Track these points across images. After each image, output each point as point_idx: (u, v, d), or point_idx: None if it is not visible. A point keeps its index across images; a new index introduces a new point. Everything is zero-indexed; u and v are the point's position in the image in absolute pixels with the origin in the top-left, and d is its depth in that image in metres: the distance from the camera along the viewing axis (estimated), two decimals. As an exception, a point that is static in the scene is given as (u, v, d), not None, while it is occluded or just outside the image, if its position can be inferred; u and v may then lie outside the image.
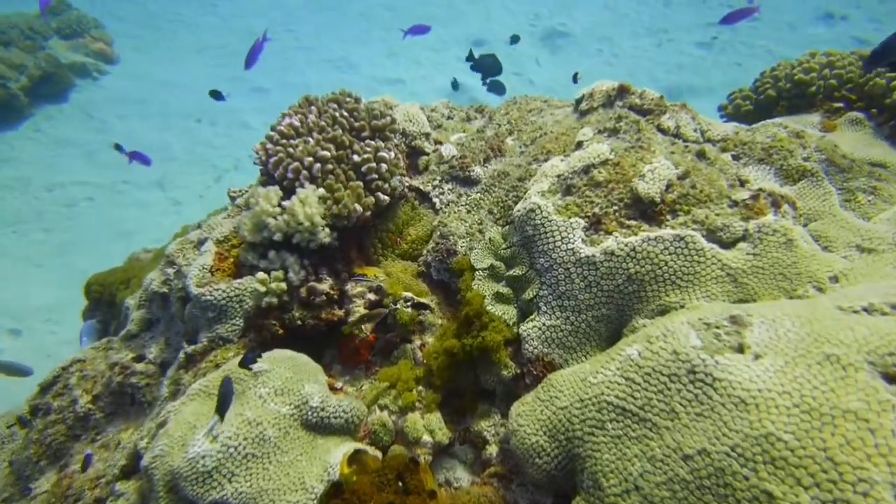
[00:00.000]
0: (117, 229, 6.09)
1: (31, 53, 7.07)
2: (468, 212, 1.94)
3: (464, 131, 2.30)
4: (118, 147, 5.39)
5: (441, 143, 2.22)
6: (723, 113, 2.76)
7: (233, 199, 2.35)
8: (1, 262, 5.45)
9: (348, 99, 2.06)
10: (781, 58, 7.07)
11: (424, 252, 1.90)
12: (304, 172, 1.81)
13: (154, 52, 8.76)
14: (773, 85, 2.55)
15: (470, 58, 2.62)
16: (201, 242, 2.02)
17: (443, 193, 2.02)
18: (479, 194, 1.97)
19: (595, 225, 1.58)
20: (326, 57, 8.88)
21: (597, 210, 1.59)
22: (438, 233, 1.88)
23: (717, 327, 1.29)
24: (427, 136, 2.19)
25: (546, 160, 1.88)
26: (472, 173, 2.00)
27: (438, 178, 2.06)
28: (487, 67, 2.54)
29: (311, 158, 1.82)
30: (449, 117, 2.37)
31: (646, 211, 1.56)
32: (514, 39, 3.92)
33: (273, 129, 1.99)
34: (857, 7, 6.96)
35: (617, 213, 1.58)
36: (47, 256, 5.60)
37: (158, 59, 8.66)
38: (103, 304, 2.67)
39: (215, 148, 7.43)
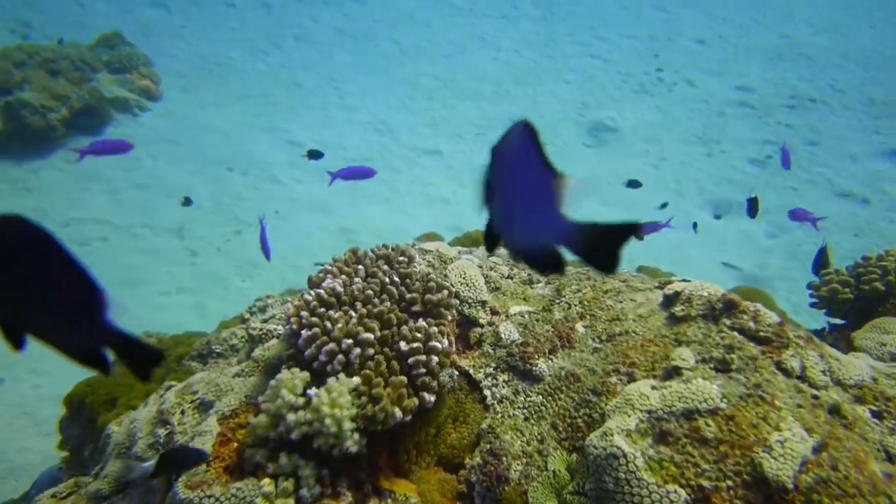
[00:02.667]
0: (125, 276, 5.86)
1: (78, 85, 7.10)
2: (526, 419, 1.61)
3: (524, 298, 2.01)
4: (187, 201, 5.27)
5: (497, 312, 1.92)
6: (814, 294, 2.46)
7: (252, 339, 2.06)
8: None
9: (401, 258, 1.79)
10: (840, 188, 6.83)
11: (468, 465, 1.57)
12: (340, 357, 1.52)
13: (198, 94, 8.82)
14: (882, 278, 2.24)
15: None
16: (204, 405, 1.71)
17: (496, 385, 1.71)
18: (540, 397, 1.64)
19: (702, 502, 1.24)
20: (368, 119, 8.87)
21: (704, 482, 1.26)
22: (488, 445, 1.56)
23: None
24: (483, 304, 1.90)
25: (629, 374, 1.56)
26: (534, 367, 1.69)
27: (493, 364, 1.75)
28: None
29: (350, 341, 1.52)
30: (508, 276, 2.09)
31: (772, 496, 1.22)
32: (633, 184, 3.96)
33: (311, 285, 1.72)
34: (925, 148, 6.76)
35: (732, 492, 1.24)
36: (49, 299, 5.36)
37: (201, 101, 8.71)
38: (83, 418, 2.36)
39: (242, 199, 7.30)
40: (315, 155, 3.46)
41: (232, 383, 1.75)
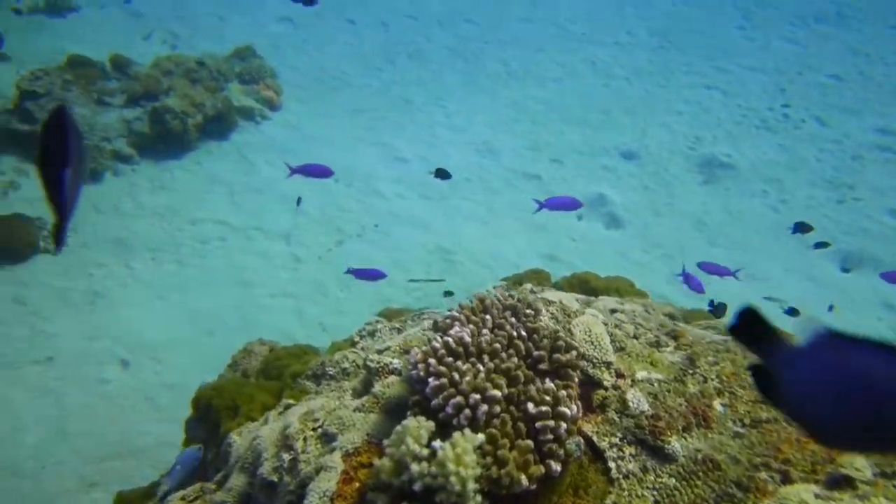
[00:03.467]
0: (238, 276, 6.25)
1: (213, 94, 7.75)
2: (656, 503, 1.51)
3: (651, 362, 1.89)
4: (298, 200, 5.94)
5: (623, 375, 1.83)
6: None
7: (369, 371, 2.10)
8: (134, 286, 5.76)
9: (528, 311, 1.75)
10: None
11: (588, 542, 1.49)
12: (467, 411, 1.50)
13: (313, 105, 9.32)
14: None
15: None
16: (327, 437, 1.76)
17: (622, 458, 1.61)
18: (674, 480, 1.53)
19: None
20: (471, 139, 8.97)
21: None
22: (613, 526, 1.47)
23: None
24: (608, 365, 1.81)
25: (783, 472, 1.41)
26: (666, 445, 1.58)
27: (619, 434, 1.66)
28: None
29: (478, 396, 1.50)
30: (634, 336, 1.98)
31: None
32: (801, 227, 3.74)
33: (438, 329, 1.72)
34: None
35: None
36: (172, 290, 5.84)
37: (316, 112, 9.19)
38: (209, 422, 2.52)
39: (345, 211, 7.60)
40: (443, 175, 3.64)
41: (353, 418, 1.78)
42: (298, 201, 5.96)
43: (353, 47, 10.66)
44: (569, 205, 4.45)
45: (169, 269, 6.05)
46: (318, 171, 4.03)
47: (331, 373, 2.49)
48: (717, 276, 3.79)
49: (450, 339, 1.64)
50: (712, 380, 1.74)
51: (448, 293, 6.35)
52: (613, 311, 2.06)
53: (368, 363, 2.13)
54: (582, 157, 8.39)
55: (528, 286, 2.26)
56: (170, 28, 9.77)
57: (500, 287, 2.96)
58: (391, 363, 2.13)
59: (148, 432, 4.08)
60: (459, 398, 1.52)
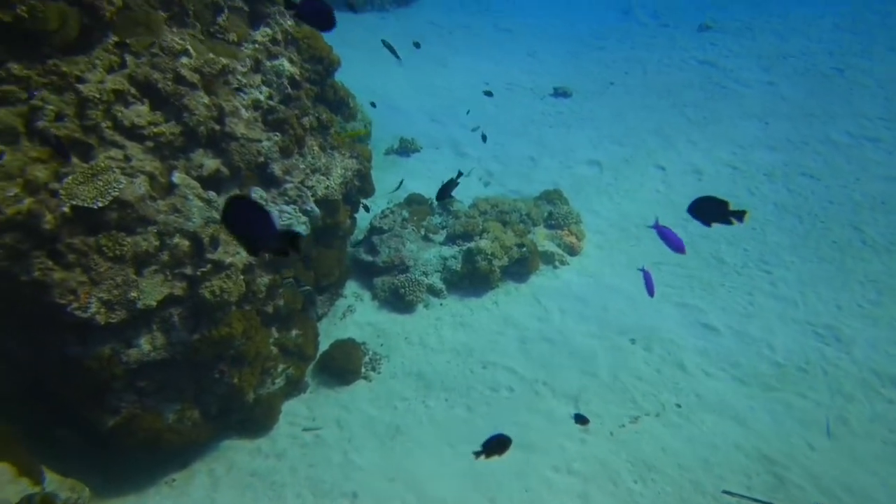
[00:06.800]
0: (522, 436, 6.09)
1: (521, 237, 8.26)
2: None
3: None
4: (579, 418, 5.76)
5: None
6: None
7: None
8: (428, 426, 6.04)
9: None
10: None
11: None
12: None
13: (612, 253, 9.22)
14: None
15: None
16: None
17: None
18: None
19: None
20: (806, 318, 7.67)
21: None
22: None
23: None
24: None
25: None
26: None
27: None
28: None
29: None
30: None
31: None
32: None
33: None
34: None
35: None
36: (460, 438, 5.94)
37: (614, 261, 9.05)
38: None
39: (641, 380, 7.00)
40: None
41: None
42: (580, 419, 5.68)
43: (660, 194, 10.48)
44: None
45: (459, 413, 6.23)
46: None
47: None
48: None
49: None
50: None
51: None
52: None
53: None
54: None
55: None
56: (486, 166, 11.06)
57: None
58: None
59: None
60: None
